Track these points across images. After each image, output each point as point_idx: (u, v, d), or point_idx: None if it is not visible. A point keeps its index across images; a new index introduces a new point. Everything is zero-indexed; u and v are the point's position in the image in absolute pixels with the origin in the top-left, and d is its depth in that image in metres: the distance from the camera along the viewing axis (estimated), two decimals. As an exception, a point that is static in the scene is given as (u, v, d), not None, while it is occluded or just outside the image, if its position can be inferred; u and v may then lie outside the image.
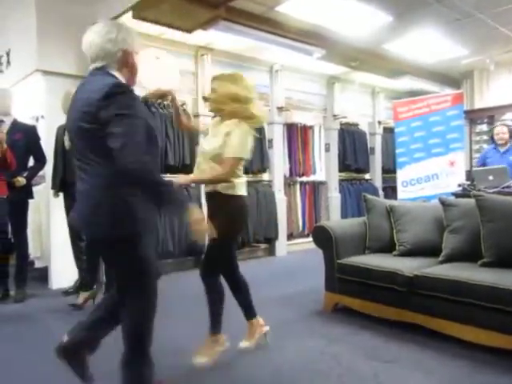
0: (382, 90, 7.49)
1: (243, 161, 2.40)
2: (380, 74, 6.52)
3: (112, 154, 1.58)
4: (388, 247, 3.29)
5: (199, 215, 1.78)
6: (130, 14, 4.09)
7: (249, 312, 2.62)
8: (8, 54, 4.96)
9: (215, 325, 2.48)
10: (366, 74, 6.52)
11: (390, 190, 7.49)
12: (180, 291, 4.13)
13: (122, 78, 1.76)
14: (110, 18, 4.29)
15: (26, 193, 3.88)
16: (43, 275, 4.31)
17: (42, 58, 4.22)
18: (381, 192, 7.40)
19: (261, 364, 2.42)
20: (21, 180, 3.75)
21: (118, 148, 1.57)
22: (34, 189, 4.07)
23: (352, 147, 7.15)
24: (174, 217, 2.03)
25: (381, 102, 7.54)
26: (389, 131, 7.53)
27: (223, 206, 2.38)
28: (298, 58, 5.56)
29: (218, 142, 2.34)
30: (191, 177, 2.52)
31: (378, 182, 7.52)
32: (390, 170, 7.57)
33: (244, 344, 2.58)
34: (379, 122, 7.55)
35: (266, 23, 4.59)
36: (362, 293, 3.08)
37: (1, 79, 5.15)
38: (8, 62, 4.99)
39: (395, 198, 6.18)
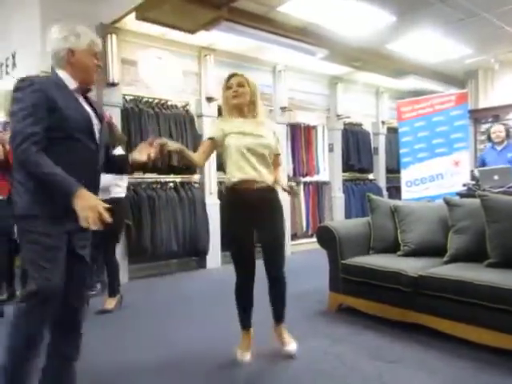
0: (385, 90, 7.48)
1: None
2: (384, 74, 6.51)
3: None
4: (392, 247, 3.28)
5: (91, 201, 1.64)
6: (133, 14, 4.12)
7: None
8: (13, 56, 5.00)
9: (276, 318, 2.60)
10: (369, 74, 6.51)
11: (394, 190, 7.47)
12: (184, 291, 4.14)
13: (66, 75, 1.80)
14: (113, 19, 4.33)
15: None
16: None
17: (46, 60, 4.22)
18: (385, 192, 7.38)
19: (264, 364, 2.41)
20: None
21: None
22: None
23: (356, 147, 7.13)
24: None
25: (384, 101, 7.53)
26: (393, 131, 7.51)
27: (278, 202, 2.56)
28: (301, 59, 5.56)
29: (272, 140, 2.47)
30: (275, 177, 2.54)
31: (382, 182, 7.50)
32: (393, 170, 7.54)
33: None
34: (383, 122, 7.54)
35: (269, 23, 4.59)
36: (366, 293, 3.07)
37: (7, 81, 5.19)
38: (14, 64, 5.02)
39: (399, 198, 6.15)
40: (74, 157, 1.73)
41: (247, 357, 2.43)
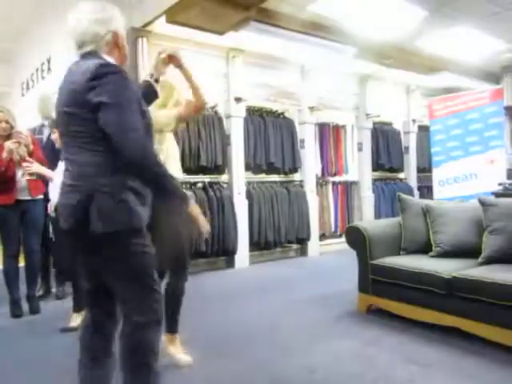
0: (416, 88, 7.31)
1: None
2: (415, 71, 6.37)
3: (104, 141, 1.47)
4: (424, 248, 3.20)
5: (198, 210, 1.64)
6: (163, 18, 4.18)
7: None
8: (49, 61, 5.18)
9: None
10: (399, 72, 6.38)
11: (426, 190, 7.30)
12: (212, 290, 4.18)
13: (111, 60, 1.60)
14: (144, 23, 4.41)
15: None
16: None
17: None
18: (416, 192, 7.22)
19: (293, 365, 2.41)
20: (60, 181, 3.88)
21: (115, 135, 1.45)
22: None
23: (385, 146, 7.01)
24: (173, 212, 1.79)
25: (415, 99, 7.36)
26: (424, 129, 7.34)
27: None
28: (330, 57, 5.51)
29: None
30: None
31: (413, 182, 7.34)
32: (425, 169, 7.38)
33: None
34: (414, 121, 7.37)
35: (297, 23, 4.57)
36: (397, 294, 3.01)
37: (43, 85, 5.38)
38: (49, 69, 5.20)
39: (431, 197, 6.01)
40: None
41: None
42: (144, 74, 4.46)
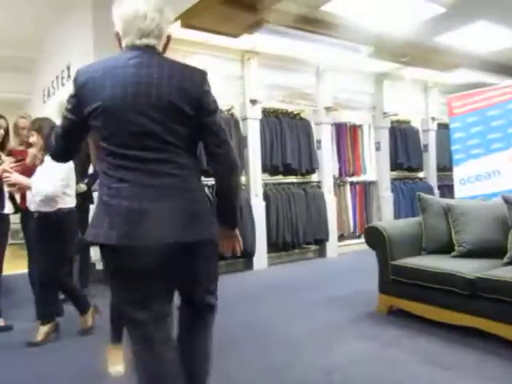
0: (434, 85, 7.20)
1: None
2: (432, 69, 6.27)
3: (195, 148, 1.49)
4: (445, 248, 3.15)
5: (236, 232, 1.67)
6: (178, 22, 4.22)
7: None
8: (68, 68, 5.28)
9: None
10: (417, 69, 6.29)
11: (446, 189, 7.16)
12: (231, 292, 4.19)
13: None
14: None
15: (87, 198, 4.09)
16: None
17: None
18: (436, 191, 7.10)
19: (311, 366, 2.39)
20: (82, 187, 3.95)
21: (222, 145, 1.47)
22: (95, 194, 4.28)
23: (404, 145, 6.92)
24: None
25: (434, 97, 7.25)
26: (443, 127, 7.22)
27: None
28: (345, 57, 5.48)
29: None
30: None
31: (433, 181, 7.22)
32: (445, 168, 7.24)
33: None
34: (433, 119, 7.26)
35: (312, 23, 4.55)
36: (418, 295, 2.97)
37: (62, 91, 5.50)
38: (68, 76, 5.31)
39: (452, 196, 5.90)
40: None
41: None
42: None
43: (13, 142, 3.58)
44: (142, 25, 1.45)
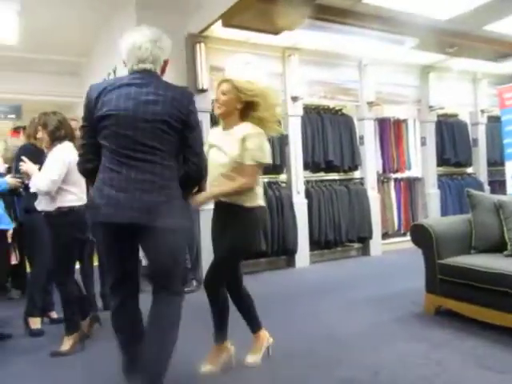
0: (484, 76, 6.86)
1: (262, 167, 2.27)
2: (482, 59, 5.98)
3: (177, 152, 1.88)
4: (497, 247, 3.02)
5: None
6: (219, 22, 4.27)
7: (253, 325, 2.46)
8: (114, 72, 5.47)
9: (217, 336, 2.40)
10: (465, 60, 6.02)
11: (497, 185, 6.84)
12: (273, 289, 4.20)
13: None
14: (201, 29, 4.54)
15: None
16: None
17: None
18: (486, 187, 6.79)
19: (357, 365, 2.36)
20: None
21: (193, 155, 1.89)
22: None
23: (451, 140, 6.66)
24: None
25: (483, 88, 6.90)
26: (494, 120, 6.88)
27: (238, 219, 2.27)
28: (388, 50, 5.33)
29: (235, 150, 2.21)
30: (212, 192, 2.28)
31: (483, 176, 6.90)
32: (496, 163, 6.91)
33: (251, 359, 2.42)
34: (482, 111, 6.93)
35: (354, 17, 4.46)
36: (468, 296, 2.85)
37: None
38: (114, 79, 5.50)
39: (503, 192, 5.62)
40: None
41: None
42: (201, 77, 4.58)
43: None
44: (138, 53, 1.88)
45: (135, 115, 1.79)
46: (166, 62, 1.96)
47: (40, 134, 2.90)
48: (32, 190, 2.78)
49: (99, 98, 1.81)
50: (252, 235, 2.34)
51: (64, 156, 2.73)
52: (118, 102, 1.79)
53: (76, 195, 2.79)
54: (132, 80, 1.86)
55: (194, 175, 1.92)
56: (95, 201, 1.83)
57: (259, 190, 2.32)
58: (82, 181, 2.78)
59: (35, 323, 3.13)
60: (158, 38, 1.92)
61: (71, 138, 2.89)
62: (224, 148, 2.26)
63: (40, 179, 2.67)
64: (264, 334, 2.49)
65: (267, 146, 2.25)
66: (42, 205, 2.80)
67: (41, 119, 2.87)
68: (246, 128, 2.25)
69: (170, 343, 1.85)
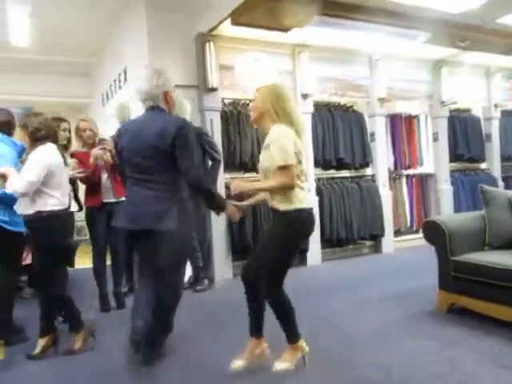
0: (497, 70, 6.75)
1: (294, 167, 2.22)
2: (495, 52, 5.88)
3: (175, 169, 2.35)
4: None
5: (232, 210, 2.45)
6: (228, 20, 4.27)
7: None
8: (125, 72, 5.51)
9: (254, 329, 2.42)
10: (477, 54, 5.94)
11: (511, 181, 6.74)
12: (285, 287, 4.19)
13: (166, 108, 2.48)
14: (210, 28, 4.54)
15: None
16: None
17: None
18: (500, 182, 6.68)
19: (369, 364, 2.35)
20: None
21: (185, 169, 2.34)
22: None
23: (464, 135, 6.57)
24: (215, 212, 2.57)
25: (497, 82, 6.79)
26: (508, 115, 6.77)
27: (274, 223, 2.37)
28: (399, 45, 5.27)
29: (264, 155, 2.32)
30: (252, 184, 2.49)
31: (497, 172, 6.80)
32: (510, 158, 6.82)
33: (280, 366, 2.30)
34: (496, 106, 6.82)
35: (364, 12, 4.40)
36: (482, 293, 2.82)
37: (120, 94, 5.74)
38: (125, 79, 5.54)
39: (518, 188, 5.54)
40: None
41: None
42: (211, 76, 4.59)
43: (75, 145, 3.79)
44: (142, 95, 2.46)
45: (136, 146, 2.37)
46: (165, 93, 2.45)
47: (20, 136, 2.82)
48: (7, 191, 2.65)
49: (122, 135, 2.49)
50: (286, 240, 2.27)
51: (44, 157, 2.62)
52: (127, 138, 2.43)
53: (58, 199, 2.68)
54: (140, 117, 2.49)
55: (192, 185, 2.40)
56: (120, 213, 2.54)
57: (299, 193, 2.27)
58: (64, 185, 2.77)
59: None
60: (158, 78, 2.41)
61: (54, 140, 2.81)
62: (261, 156, 2.39)
63: (17, 180, 2.57)
64: (301, 343, 2.38)
65: (288, 147, 2.20)
66: (21, 208, 2.72)
67: (21, 121, 2.79)
68: (272, 131, 2.30)
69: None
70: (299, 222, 2.27)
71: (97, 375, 2.46)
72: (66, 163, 3.35)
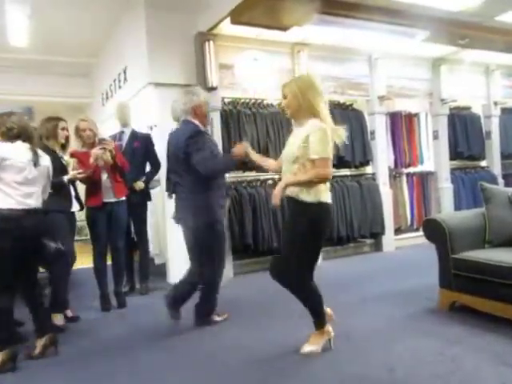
0: (497, 68, 6.75)
1: (327, 160, 2.34)
2: (494, 50, 5.88)
3: (192, 169, 2.88)
4: (512, 241, 2.97)
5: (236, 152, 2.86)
6: (228, 19, 4.26)
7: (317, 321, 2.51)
8: (125, 71, 5.50)
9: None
10: (477, 52, 5.93)
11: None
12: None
13: (197, 122, 3.00)
14: (209, 26, 4.54)
15: (145, 195, 4.26)
16: (162, 271, 4.70)
17: (153, 72, 4.60)
18: (500, 180, 6.69)
19: (371, 363, 2.35)
20: (140, 184, 4.12)
21: (195, 164, 2.86)
22: (151, 192, 4.44)
23: (464, 133, 6.56)
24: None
25: (496, 80, 6.79)
26: (508, 112, 6.77)
27: (291, 212, 2.48)
28: (399, 43, 5.27)
29: (296, 144, 2.38)
30: (285, 180, 2.43)
31: (497, 169, 6.80)
32: (510, 156, 6.81)
33: (307, 348, 2.49)
34: (495, 103, 6.81)
35: (363, 10, 4.39)
36: (483, 291, 2.82)
37: (120, 94, 5.74)
38: (125, 79, 5.53)
39: (519, 185, 5.54)
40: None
41: None
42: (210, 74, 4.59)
43: (74, 145, 3.79)
44: (175, 113, 3.62)
45: (169, 154, 3.12)
46: (194, 108, 2.99)
47: None
48: None
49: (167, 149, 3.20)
50: (311, 229, 2.37)
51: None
52: (168, 147, 3.18)
53: (9, 196, 2.53)
54: (175, 129, 3.22)
55: (206, 176, 2.91)
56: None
57: (321, 187, 2.37)
58: (28, 185, 2.61)
59: (58, 319, 3.21)
60: (183, 97, 3.08)
61: (26, 139, 2.70)
62: (290, 144, 2.46)
63: None
64: (328, 328, 2.54)
65: (327, 141, 2.32)
66: None
67: None
68: (312, 123, 2.36)
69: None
70: (324, 213, 2.41)
71: (97, 376, 2.46)
72: (61, 162, 3.35)
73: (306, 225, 2.35)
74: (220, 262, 3.15)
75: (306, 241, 2.36)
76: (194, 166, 2.84)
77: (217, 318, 3.17)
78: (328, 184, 2.44)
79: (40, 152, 2.80)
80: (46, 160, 2.82)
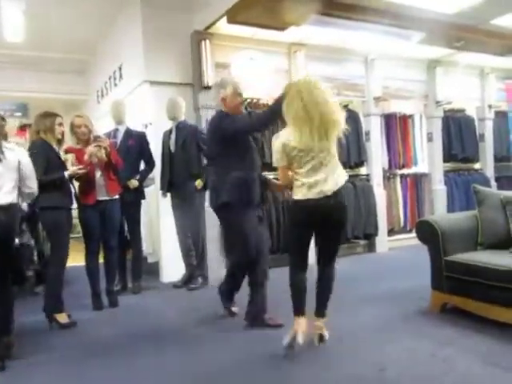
0: (491, 71, 6.79)
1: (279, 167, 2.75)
2: (489, 53, 5.91)
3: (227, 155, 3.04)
4: (504, 243, 3.00)
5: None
6: (224, 19, 4.25)
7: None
8: (120, 69, 5.48)
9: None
10: (472, 54, 5.96)
11: (505, 181, 6.78)
12: (279, 286, 4.19)
13: (227, 110, 3.04)
14: (206, 25, 4.53)
15: (139, 194, 4.24)
16: (155, 270, 4.69)
17: (148, 70, 4.59)
18: (493, 183, 6.72)
19: (363, 363, 2.36)
20: (134, 182, 4.11)
21: (238, 129, 2.99)
22: (145, 190, 4.43)
23: (458, 135, 6.60)
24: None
25: (491, 83, 6.83)
26: (501, 115, 6.81)
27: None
28: (395, 45, 5.29)
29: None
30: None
31: (490, 172, 6.84)
32: (503, 158, 6.84)
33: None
34: (489, 106, 6.85)
35: (360, 11, 4.40)
36: (474, 293, 2.84)
37: (115, 91, 5.72)
38: (120, 76, 5.51)
39: (511, 188, 5.57)
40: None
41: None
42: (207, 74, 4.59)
43: (69, 141, 3.76)
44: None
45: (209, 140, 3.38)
46: (222, 99, 3.04)
47: None
48: None
49: None
50: (289, 226, 3.00)
51: None
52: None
53: None
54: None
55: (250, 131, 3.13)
56: None
57: (299, 185, 2.64)
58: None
59: (63, 318, 3.21)
60: (220, 90, 3.09)
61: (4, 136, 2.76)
62: None
63: None
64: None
65: (274, 149, 2.72)
66: None
67: None
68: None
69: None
70: (296, 211, 2.71)
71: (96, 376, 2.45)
72: (59, 157, 3.33)
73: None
74: (261, 256, 3.19)
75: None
76: (237, 134, 2.95)
77: (234, 309, 3.26)
78: (305, 181, 2.61)
79: (10, 145, 2.69)
80: (16, 154, 2.66)
